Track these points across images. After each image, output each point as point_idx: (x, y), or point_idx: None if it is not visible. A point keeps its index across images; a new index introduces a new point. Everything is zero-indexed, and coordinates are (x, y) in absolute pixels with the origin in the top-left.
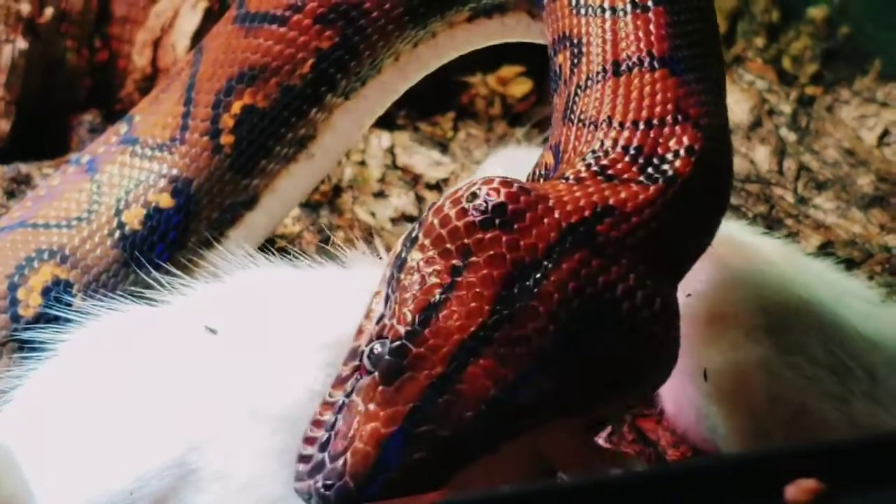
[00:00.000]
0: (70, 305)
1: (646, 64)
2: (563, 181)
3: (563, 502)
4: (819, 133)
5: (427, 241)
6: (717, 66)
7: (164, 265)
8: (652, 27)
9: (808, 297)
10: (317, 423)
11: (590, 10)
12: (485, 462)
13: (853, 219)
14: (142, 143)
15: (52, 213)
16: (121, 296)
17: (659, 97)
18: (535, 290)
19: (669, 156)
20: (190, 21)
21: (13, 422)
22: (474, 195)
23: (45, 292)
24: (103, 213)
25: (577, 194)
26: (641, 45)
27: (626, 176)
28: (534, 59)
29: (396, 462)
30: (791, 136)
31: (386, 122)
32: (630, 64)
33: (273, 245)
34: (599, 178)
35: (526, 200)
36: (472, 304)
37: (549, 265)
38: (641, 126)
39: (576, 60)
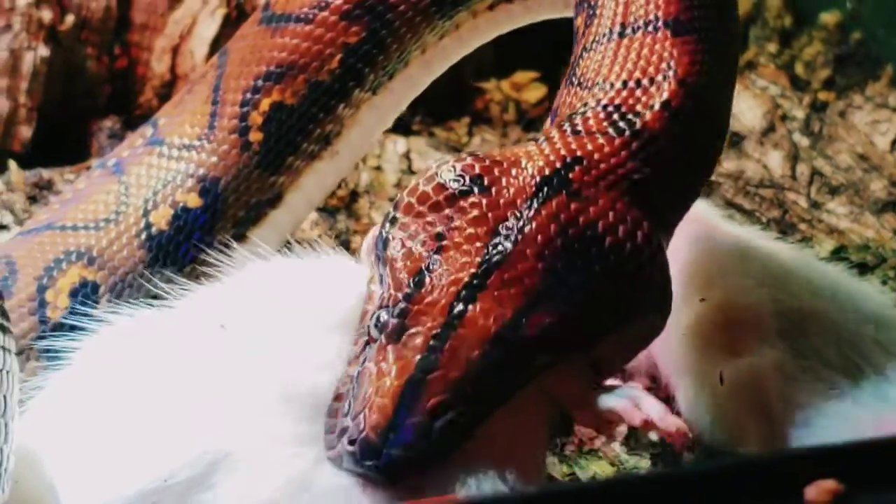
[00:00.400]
0: (97, 307)
1: (650, 26)
2: (534, 143)
3: (580, 502)
4: (832, 138)
5: (408, 218)
6: (726, 30)
7: (188, 266)
8: None
9: (822, 301)
10: (338, 397)
11: None
12: (504, 419)
13: (866, 223)
14: (168, 144)
15: (79, 216)
16: (142, 299)
17: (654, 58)
18: (520, 236)
19: (645, 111)
20: (208, 28)
21: (37, 423)
22: (449, 171)
23: (73, 294)
24: (131, 214)
25: (547, 151)
26: (650, 8)
27: (594, 130)
28: (548, 65)
29: (414, 410)
30: (804, 142)
31: (401, 127)
32: (636, 26)
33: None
34: (568, 134)
35: (500, 169)
36: (463, 260)
37: (530, 213)
38: (630, 85)
39: (588, 22)
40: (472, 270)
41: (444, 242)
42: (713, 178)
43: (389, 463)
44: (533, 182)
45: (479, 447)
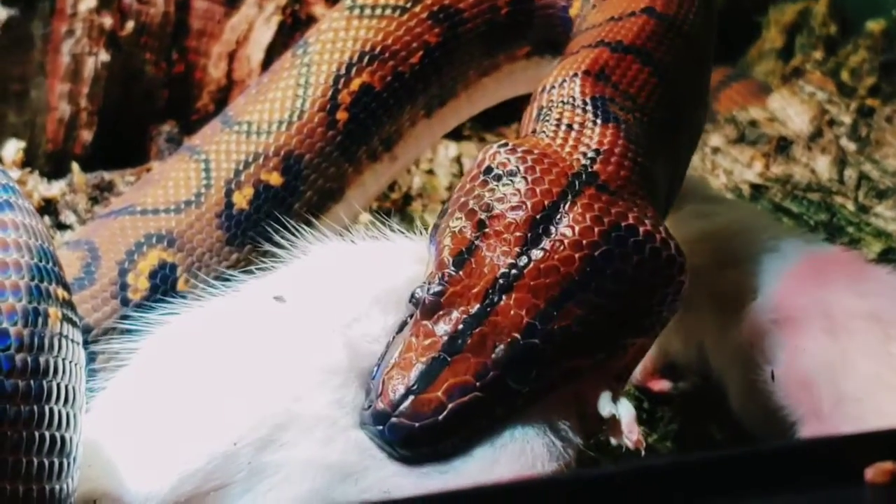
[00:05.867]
0: (175, 286)
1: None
2: (545, 138)
3: (652, 479)
4: (879, 143)
5: (455, 208)
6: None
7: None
8: None
9: (869, 300)
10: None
11: None
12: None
13: None
14: (248, 123)
15: (160, 199)
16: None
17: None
18: (558, 226)
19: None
20: (264, 34)
21: (108, 407)
22: (489, 162)
23: (153, 276)
24: (213, 194)
25: (567, 148)
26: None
27: (587, 124)
28: None
29: (432, 386)
30: (851, 146)
31: (453, 133)
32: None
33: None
34: (568, 130)
35: (533, 160)
36: (502, 248)
37: (565, 205)
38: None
39: None
40: (511, 260)
41: (486, 230)
42: (761, 181)
43: (395, 431)
44: (565, 174)
45: None
